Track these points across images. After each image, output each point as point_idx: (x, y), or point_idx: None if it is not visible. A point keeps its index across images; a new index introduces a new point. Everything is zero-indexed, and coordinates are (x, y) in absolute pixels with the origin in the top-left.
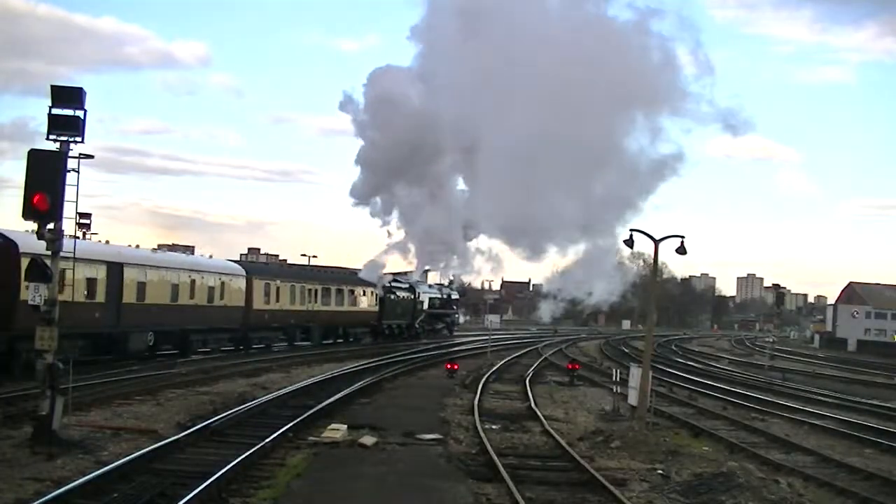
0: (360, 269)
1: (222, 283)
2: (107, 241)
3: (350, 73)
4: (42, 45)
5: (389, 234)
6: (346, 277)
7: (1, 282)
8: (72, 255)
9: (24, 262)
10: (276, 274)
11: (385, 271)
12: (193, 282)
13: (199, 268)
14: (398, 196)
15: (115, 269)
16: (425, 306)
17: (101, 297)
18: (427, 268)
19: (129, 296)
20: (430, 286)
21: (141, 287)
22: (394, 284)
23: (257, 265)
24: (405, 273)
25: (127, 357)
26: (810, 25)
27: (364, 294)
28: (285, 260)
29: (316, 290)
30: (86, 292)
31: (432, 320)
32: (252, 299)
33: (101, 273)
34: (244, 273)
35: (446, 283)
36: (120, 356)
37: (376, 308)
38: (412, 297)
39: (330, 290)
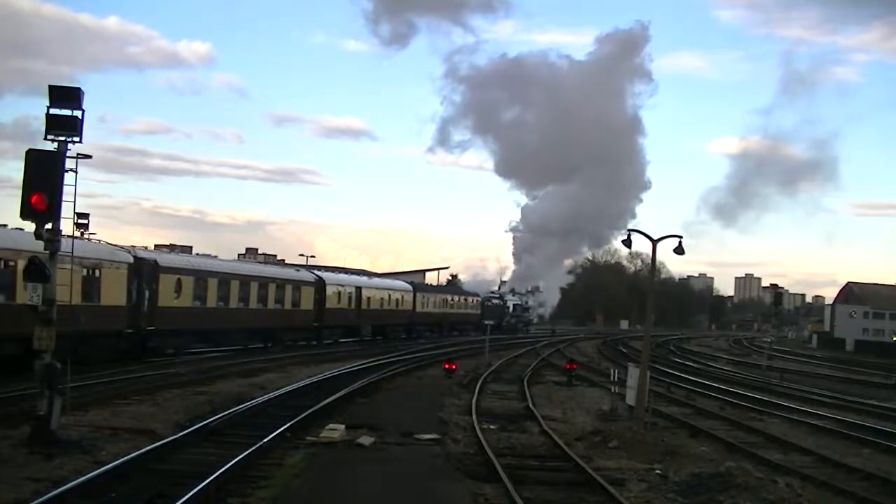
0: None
1: (402, 296)
2: (353, 272)
3: (354, 74)
4: (46, 44)
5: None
6: (461, 290)
7: (316, 300)
8: (343, 285)
9: (329, 290)
10: (428, 289)
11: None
12: (389, 295)
13: (391, 287)
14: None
15: (358, 290)
16: (510, 311)
17: (352, 306)
18: (432, 268)
19: (363, 305)
20: (513, 295)
21: (368, 299)
22: (489, 295)
23: (417, 283)
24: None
25: (361, 338)
26: (819, 26)
27: (472, 302)
28: (283, 260)
29: (447, 299)
30: (347, 303)
31: (514, 320)
32: (416, 306)
33: (352, 292)
34: (412, 289)
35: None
36: (358, 338)
37: (478, 311)
38: (501, 304)
39: (455, 299)
